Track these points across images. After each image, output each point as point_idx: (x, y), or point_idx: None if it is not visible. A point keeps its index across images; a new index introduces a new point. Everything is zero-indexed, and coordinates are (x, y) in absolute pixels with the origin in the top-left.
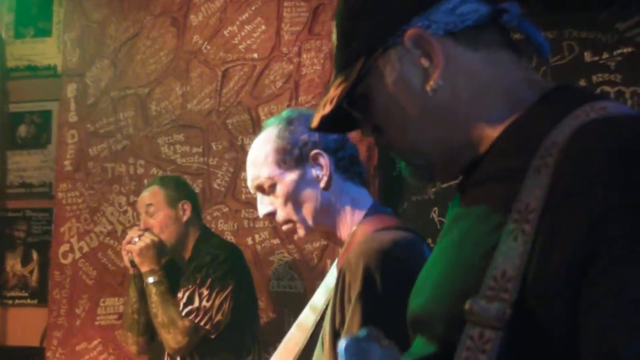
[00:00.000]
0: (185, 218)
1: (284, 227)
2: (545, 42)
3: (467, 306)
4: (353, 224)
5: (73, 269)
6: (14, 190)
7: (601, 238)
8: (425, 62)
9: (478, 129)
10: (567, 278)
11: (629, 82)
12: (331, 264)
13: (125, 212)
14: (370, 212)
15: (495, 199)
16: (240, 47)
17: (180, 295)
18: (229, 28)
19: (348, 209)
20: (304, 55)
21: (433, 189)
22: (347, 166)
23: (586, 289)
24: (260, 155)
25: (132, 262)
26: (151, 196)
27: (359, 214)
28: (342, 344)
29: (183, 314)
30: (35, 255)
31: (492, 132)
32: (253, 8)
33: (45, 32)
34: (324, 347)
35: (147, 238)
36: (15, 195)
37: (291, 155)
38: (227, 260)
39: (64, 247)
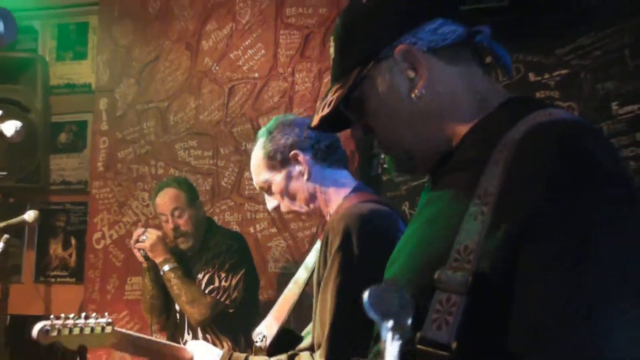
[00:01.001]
0: (202, 214)
1: (289, 215)
2: (509, 60)
3: (436, 276)
4: (339, 200)
5: (104, 253)
6: (56, 187)
7: (538, 223)
8: (411, 73)
9: (452, 128)
10: (513, 252)
11: (566, 98)
12: None
13: (147, 205)
14: (355, 190)
15: (461, 185)
16: (243, 68)
17: (200, 276)
18: (234, 52)
19: (332, 189)
20: (297, 75)
21: (405, 187)
22: (325, 156)
23: (522, 264)
24: (255, 164)
25: (145, 257)
26: (175, 200)
27: (344, 191)
28: (365, 293)
29: (206, 292)
30: (73, 241)
31: (462, 130)
32: (254, 35)
33: (82, 56)
34: (314, 293)
35: (153, 234)
36: (56, 192)
37: (276, 160)
38: (240, 249)
39: (97, 235)
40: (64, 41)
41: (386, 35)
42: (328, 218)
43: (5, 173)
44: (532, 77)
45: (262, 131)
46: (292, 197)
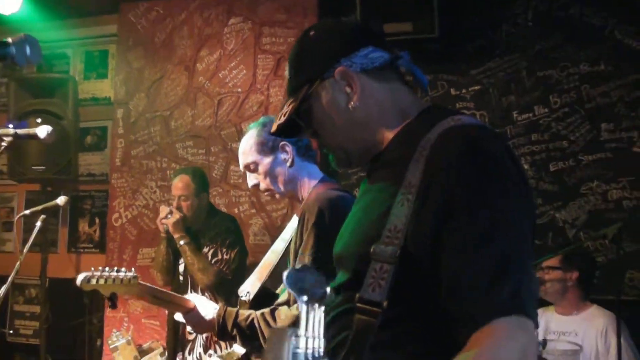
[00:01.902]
0: (204, 203)
1: (265, 193)
2: (425, 78)
3: (372, 249)
4: (309, 188)
5: (121, 230)
6: (84, 178)
7: (452, 203)
8: (348, 89)
9: (381, 132)
10: (432, 228)
11: (479, 108)
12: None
13: (154, 192)
14: (322, 181)
15: (390, 178)
16: (229, 84)
17: (205, 250)
18: (222, 72)
19: (306, 179)
20: (271, 90)
21: (355, 177)
22: (304, 151)
23: (443, 237)
24: (247, 147)
25: (166, 231)
26: (185, 188)
27: (314, 182)
28: (284, 273)
29: (212, 262)
30: (97, 221)
31: (390, 135)
32: (238, 59)
33: (103, 76)
34: (290, 262)
35: (177, 214)
36: (84, 182)
37: (267, 146)
38: (236, 229)
39: (115, 215)
40: (89, 64)
41: (328, 60)
42: (301, 200)
43: (44, 167)
44: (453, 91)
45: (255, 124)
46: (274, 178)
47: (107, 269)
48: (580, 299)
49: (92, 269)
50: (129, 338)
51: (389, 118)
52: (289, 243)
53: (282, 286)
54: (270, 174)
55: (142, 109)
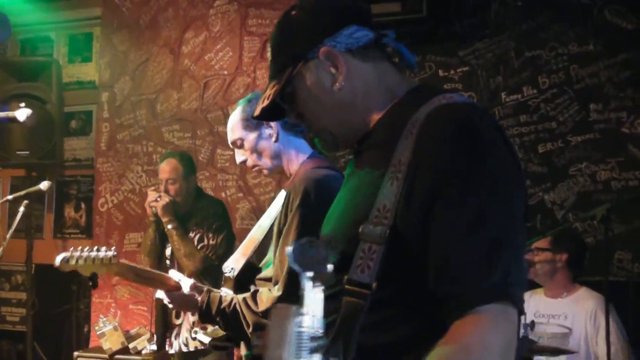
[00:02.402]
0: (192, 186)
1: (254, 170)
2: (412, 57)
3: (360, 229)
4: (298, 163)
5: (108, 215)
6: (69, 163)
7: (443, 184)
8: (333, 70)
9: (368, 113)
10: (422, 208)
11: (467, 89)
12: None
13: (140, 176)
14: (311, 157)
15: (378, 159)
16: (215, 67)
17: (192, 235)
18: (208, 54)
19: (293, 153)
20: (258, 72)
21: (343, 160)
22: (290, 126)
23: (433, 217)
24: (233, 123)
25: (154, 214)
26: (172, 171)
27: (302, 157)
28: (289, 248)
29: (198, 248)
30: (83, 206)
31: (377, 115)
32: (224, 41)
33: (88, 59)
34: (273, 240)
35: (167, 198)
36: (70, 167)
37: (252, 122)
38: (223, 213)
39: (102, 200)
40: (74, 48)
41: (311, 40)
42: (288, 175)
43: (28, 152)
44: (441, 72)
45: (242, 100)
46: (260, 154)
47: (86, 248)
48: (570, 281)
49: (72, 249)
50: (116, 324)
51: (375, 98)
52: (274, 220)
53: (264, 261)
54: (255, 149)
55: (128, 93)
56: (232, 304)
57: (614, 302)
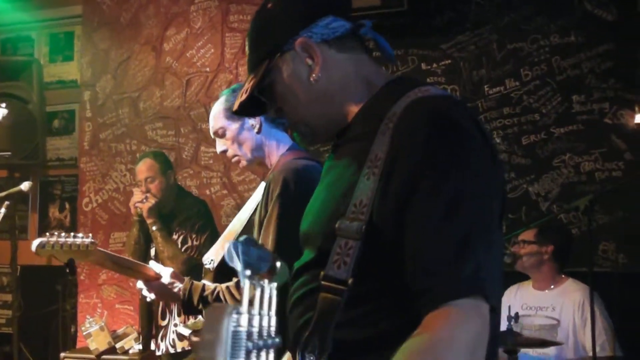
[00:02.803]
0: (172, 182)
1: (233, 160)
2: (390, 48)
3: (337, 225)
4: (278, 155)
5: (92, 214)
6: (52, 163)
7: (417, 177)
8: (309, 61)
9: (346, 105)
10: (398, 201)
11: (450, 82)
12: None
13: (124, 175)
14: (291, 148)
15: (355, 153)
16: (197, 64)
17: (175, 237)
18: (190, 51)
19: (274, 145)
20: (240, 68)
21: (326, 155)
22: (272, 118)
23: (407, 211)
24: (216, 112)
25: (139, 214)
26: (149, 169)
27: (283, 148)
28: (226, 246)
29: (182, 250)
30: (67, 206)
31: (355, 108)
32: (205, 38)
33: (69, 58)
34: (255, 231)
35: (152, 199)
36: (53, 167)
37: None
38: (205, 213)
39: (86, 200)
40: (55, 47)
41: (287, 32)
42: (269, 167)
43: (9, 153)
44: (423, 66)
45: (226, 90)
46: (241, 144)
47: (63, 234)
48: (557, 272)
49: (47, 234)
50: (103, 324)
51: (353, 90)
52: (254, 212)
53: None
54: (237, 139)
55: (110, 91)
56: (216, 292)
57: (599, 293)
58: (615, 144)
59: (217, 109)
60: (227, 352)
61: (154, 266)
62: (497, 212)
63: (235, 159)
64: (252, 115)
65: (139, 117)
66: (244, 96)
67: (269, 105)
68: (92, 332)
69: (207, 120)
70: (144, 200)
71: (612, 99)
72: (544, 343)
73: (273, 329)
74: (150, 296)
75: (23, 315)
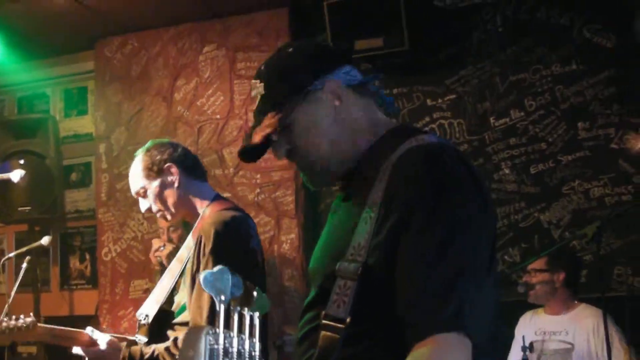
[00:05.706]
0: None
1: (158, 215)
2: (390, 101)
3: (337, 266)
4: (202, 207)
5: (112, 264)
6: (71, 215)
7: (409, 217)
8: (337, 102)
9: (356, 148)
10: (390, 244)
11: (456, 117)
12: None
13: (142, 224)
14: (214, 199)
15: (357, 197)
16: (208, 111)
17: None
18: (201, 100)
19: (197, 198)
20: (249, 114)
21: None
22: (191, 170)
23: (399, 250)
24: (135, 173)
25: (160, 263)
26: None
27: (206, 201)
28: (201, 275)
29: None
30: (87, 256)
31: (362, 151)
32: (214, 86)
33: (84, 112)
34: (186, 285)
35: (170, 246)
36: (72, 219)
37: (152, 170)
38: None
39: (105, 250)
40: (69, 102)
41: (311, 74)
42: (193, 220)
43: (29, 208)
44: (429, 102)
45: (140, 151)
46: (163, 201)
47: (5, 318)
48: (570, 298)
49: None
50: None
51: (363, 134)
52: (185, 265)
53: (175, 305)
54: (159, 197)
55: (124, 142)
56: (155, 355)
57: (614, 317)
58: (623, 168)
59: (136, 169)
60: None
61: (90, 333)
62: (487, 249)
63: (160, 214)
64: (254, 160)
65: None
66: (267, 131)
67: (279, 145)
68: None
69: (220, 166)
70: (162, 248)
71: (617, 124)
72: None
73: (257, 353)
74: None
75: None
